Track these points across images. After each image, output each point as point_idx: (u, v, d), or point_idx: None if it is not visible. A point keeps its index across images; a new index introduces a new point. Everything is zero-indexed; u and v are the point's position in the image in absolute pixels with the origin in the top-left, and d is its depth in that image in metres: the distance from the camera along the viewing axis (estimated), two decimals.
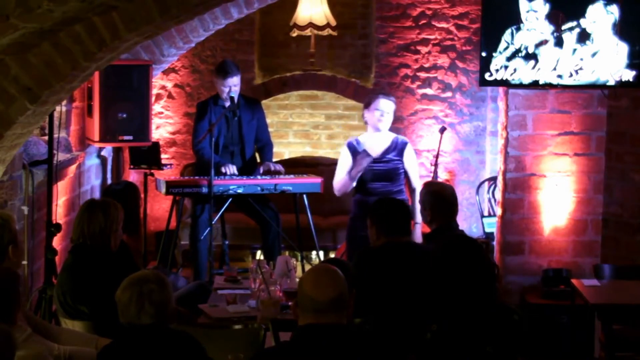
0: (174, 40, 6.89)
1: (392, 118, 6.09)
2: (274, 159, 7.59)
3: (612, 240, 6.39)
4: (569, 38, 5.81)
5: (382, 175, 5.99)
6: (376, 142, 6.07)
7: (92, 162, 7.05)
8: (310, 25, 8.12)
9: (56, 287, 4.44)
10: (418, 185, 6.04)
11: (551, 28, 5.82)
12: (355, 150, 6.05)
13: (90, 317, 4.27)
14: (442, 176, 7.94)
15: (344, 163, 6.08)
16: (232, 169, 6.55)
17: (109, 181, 7.54)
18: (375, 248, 4.55)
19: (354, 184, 6.01)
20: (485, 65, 5.88)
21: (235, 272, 5.61)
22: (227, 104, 6.58)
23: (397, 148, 6.05)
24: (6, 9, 3.09)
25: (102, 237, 4.37)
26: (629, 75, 5.82)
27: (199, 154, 6.68)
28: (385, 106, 6.02)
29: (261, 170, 6.68)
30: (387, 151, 6.02)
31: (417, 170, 6.21)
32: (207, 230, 6.45)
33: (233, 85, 6.53)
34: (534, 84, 5.93)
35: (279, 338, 4.26)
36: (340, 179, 6.07)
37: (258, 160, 6.94)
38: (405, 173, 6.07)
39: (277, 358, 3.02)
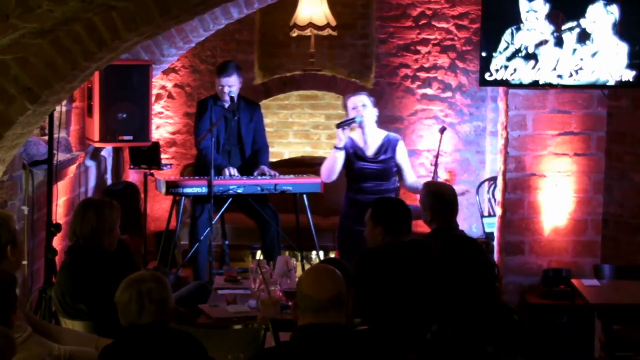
0: (174, 40, 6.89)
1: (371, 111, 5.99)
2: (274, 159, 7.59)
3: (612, 240, 6.39)
4: (569, 38, 5.81)
5: (375, 174, 5.97)
6: (368, 140, 6.00)
7: (92, 162, 7.04)
8: (310, 25, 8.12)
9: (55, 286, 4.44)
10: (414, 179, 6.05)
11: (551, 28, 5.82)
12: (347, 149, 6.01)
13: (90, 317, 4.27)
14: (442, 176, 7.93)
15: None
16: (233, 171, 6.55)
17: (109, 181, 7.55)
18: (377, 248, 4.55)
19: (340, 159, 5.93)
20: (485, 65, 5.88)
21: (235, 272, 5.61)
22: (227, 104, 6.59)
23: (390, 146, 6.01)
24: (6, 9, 3.09)
25: (93, 237, 4.36)
26: (629, 75, 5.82)
27: (202, 154, 6.69)
28: (355, 102, 5.96)
29: (255, 174, 6.68)
30: (379, 151, 5.99)
31: (410, 166, 6.16)
32: (207, 231, 6.45)
33: (227, 85, 6.53)
34: (534, 84, 5.93)
35: (279, 338, 4.26)
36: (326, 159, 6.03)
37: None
38: (399, 170, 6.05)
39: (277, 358, 3.02)
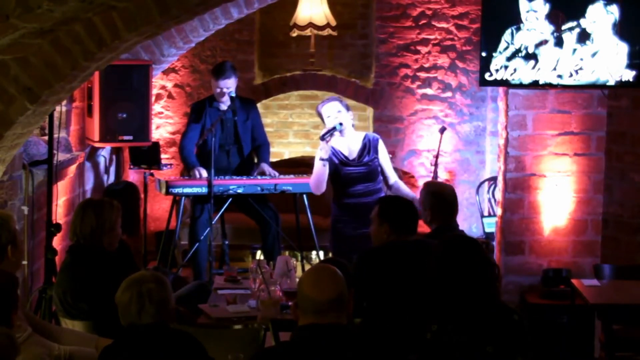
0: (174, 40, 6.89)
1: (346, 116, 5.82)
2: (274, 159, 7.57)
3: (612, 240, 6.39)
4: (569, 38, 5.81)
5: (362, 177, 5.81)
6: (348, 144, 5.86)
7: (92, 162, 7.04)
8: (310, 25, 8.12)
9: (56, 286, 4.44)
10: (395, 178, 5.93)
11: (551, 28, 5.82)
12: (330, 157, 5.85)
13: (90, 316, 4.27)
14: (442, 176, 7.94)
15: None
16: (201, 173, 6.54)
17: (109, 181, 7.54)
18: (376, 248, 4.54)
19: (327, 170, 5.80)
20: (485, 65, 5.88)
21: (235, 272, 5.61)
22: (222, 105, 6.60)
23: (372, 146, 5.85)
24: (6, 9, 3.09)
25: (93, 237, 4.36)
26: (629, 75, 5.82)
27: (180, 153, 6.76)
28: (329, 110, 5.82)
29: (255, 173, 6.68)
30: (362, 153, 5.83)
31: (390, 164, 6.00)
32: (207, 231, 6.46)
33: (225, 87, 6.54)
34: (534, 84, 5.93)
35: (279, 338, 4.26)
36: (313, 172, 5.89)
37: (255, 160, 6.95)
38: (380, 168, 5.89)
39: (277, 358, 3.02)
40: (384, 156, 5.91)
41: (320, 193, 5.94)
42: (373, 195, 5.68)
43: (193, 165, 6.61)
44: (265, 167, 6.70)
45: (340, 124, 5.76)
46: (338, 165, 5.80)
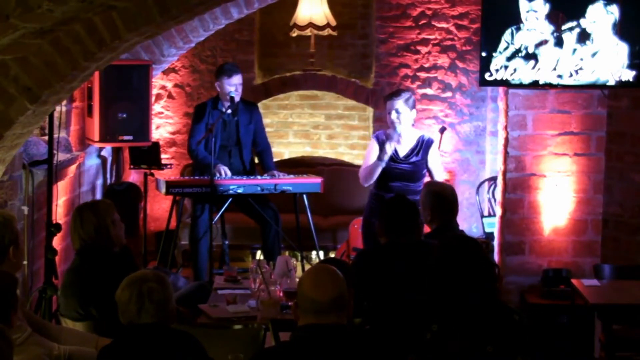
0: (174, 40, 6.89)
1: (409, 116, 6.12)
2: (274, 159, 7.55)
3: (612, 240, 6.39)
4: (569, 38, 5.80)
5: (405, 175, 6.09)
6: (402, 141, 6.12)
7: (92, 162, 7.05)
8: (310, 25, 8.13)
9: (62, 287, 4.42)
10: (440, 179, 6.16)
11: (551, 28, 5.82)
12: (383, 141, 6.11)
13: (97, 319, 4.25)
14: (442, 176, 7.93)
15: (372, 153, 6.16)
16: (226, 171, 6.53)
17: (109, 181, 7.55)
18: (376, 248, 4.54)
19: (380, 170, 6.04)
20: (485, 65, 5.88)
21: (235, 272, 5.61)
22: (226, 104, 6.58)
23: (423, 148, 6.14)
24: (6, 9, 3.09)
25: (99, 234, 4.34)
26: (629, 75, 5.82)
27: (193, 155, 6.70)
28: (399, 106, 6.05)
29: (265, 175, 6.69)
30: (412, 152, 6.12)
31: (441, 169, 6.31)
32: (207, 230, 6.45)
33: (238, 84, 6.55)
34: (534, 84, 5.93)
35: (279, 338, 4.26)
36: (368, 166, 6.13)
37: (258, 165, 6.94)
38: (429, 171, 6.17)
39: (277, 358, 3.02)
40: (433, 158, 6.17)
41: (367, 185, 6.20)
42: (409, 196, 5.77)
43: (214, 163, 6.53)
44: (275, 173, 6.71)
45: (399, 133, 6.03)
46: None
